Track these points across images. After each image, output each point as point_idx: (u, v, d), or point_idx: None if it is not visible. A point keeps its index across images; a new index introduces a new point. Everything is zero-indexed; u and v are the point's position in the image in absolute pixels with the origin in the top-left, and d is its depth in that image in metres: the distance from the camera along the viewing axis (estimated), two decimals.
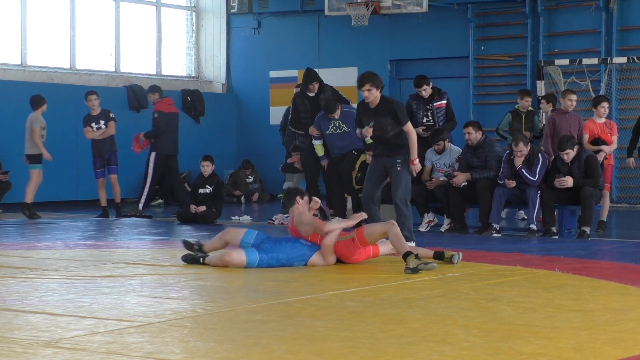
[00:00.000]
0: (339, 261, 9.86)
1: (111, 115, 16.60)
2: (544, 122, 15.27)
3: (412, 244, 11.00)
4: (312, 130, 14.94)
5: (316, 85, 15.20)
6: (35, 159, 16.51)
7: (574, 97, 14.42)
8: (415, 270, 9.16)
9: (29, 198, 16.53)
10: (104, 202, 16.72)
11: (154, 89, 17.45)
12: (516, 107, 15.99)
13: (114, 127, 16.54)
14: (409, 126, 11.41)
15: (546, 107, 15.67)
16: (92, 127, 16.51)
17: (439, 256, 9.90)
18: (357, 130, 11.87)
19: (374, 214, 11.52)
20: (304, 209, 10.02)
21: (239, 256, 9.55)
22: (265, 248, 9.64)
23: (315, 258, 9.74)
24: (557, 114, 14.24)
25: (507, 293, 8.03)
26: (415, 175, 11.64)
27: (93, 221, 15.90)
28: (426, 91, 14.60)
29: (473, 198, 13.76)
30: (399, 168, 11.39)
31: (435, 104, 14.65)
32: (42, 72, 20.12)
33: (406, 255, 9.34)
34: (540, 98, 16.52)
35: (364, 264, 9.86)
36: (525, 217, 14.99)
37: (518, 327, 6.49)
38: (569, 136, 13.47)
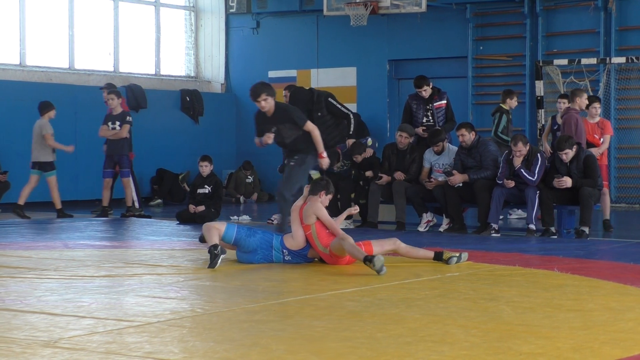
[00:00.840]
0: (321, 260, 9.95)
1: (128, 118, 16.59)
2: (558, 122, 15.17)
3: None
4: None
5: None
6: (51, 165, 16.47)
7: (586, 96, 14.49)
8: (380, 271, 9.16)
9: (58, 203, 16.60)
10: (105, 202, 16.72)
11: (114, 87, 17.47)
12: (502, 106, 15.91)
13: (127, 130, 16.53)
14: (309, 125, 11.59)
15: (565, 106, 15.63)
16: (108, 126, 16.53)
17: (438, 257, 9.94)
18: (256, 139, 11.86)
19: (287, 211, 11.25)
20: (324, 204, 10.05)
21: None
22: (242, 246, 9.97)
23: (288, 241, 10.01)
24: (576, 113, 14.15)
25: (506, 293, 8.03)
26: (325, 168, 11.75)
27: (92, 221, 15.89)
28: (426, 92, 14.60)
29: (471, 198, 13.76)
30: (292, 163, 11.60)
31: (435, 104, 14.65)
32: (41, 72, 20.12)
33: (365, 261, 9.35)
34: (539, 97, 16.52)
35: (362, 263, 9.86)
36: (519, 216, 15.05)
37: (517, 327, 6.50)
38: (567, 136, 13.46)
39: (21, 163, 18.62)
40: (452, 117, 14.82)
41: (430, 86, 14.66)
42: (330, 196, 10.12)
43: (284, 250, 9.94)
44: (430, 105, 14.66)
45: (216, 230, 9.88)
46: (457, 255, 9.96)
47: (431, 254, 10.01)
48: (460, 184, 13.75)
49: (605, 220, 14.15)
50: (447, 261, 9.87)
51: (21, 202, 16.48)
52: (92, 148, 19.18)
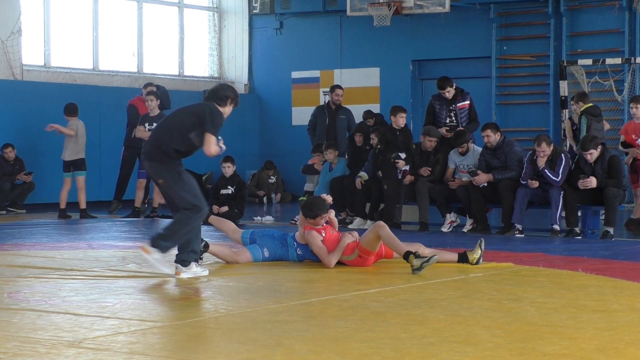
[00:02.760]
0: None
1: None
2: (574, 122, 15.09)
3: (193, 268, 9.09)
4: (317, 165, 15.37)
5: None
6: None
7: None
8: (420, 269, 9.23)
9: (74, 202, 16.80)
10: (138, 203, 16.73)
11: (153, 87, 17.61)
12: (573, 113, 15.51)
13: None
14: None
15: (578, 108, 15.56)
16: (145, 127, 16.51)
17: (463, 259, 9.90)
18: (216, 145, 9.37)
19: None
20: (317, 224, 10.01)
21: (246, 255, 10.09)
22: (261, 243, 10.21)
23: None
24: None
25: (530, 294, 8.01)
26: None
27: (116, 221, 15.94)
28: (449, 93, 14.57)
29: (495, 198, 13.73)
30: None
31: (458, 105, 14.63)
32: (65, 73, 20.20)
33: (406, 255, 9.38)
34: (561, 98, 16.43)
35: (386, 263, 9.85)
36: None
37: (541, 327, 6.48)
38: (592, 136, 13.41)
39: (46, 164, 18.72)
40: (475, 118, 14.79)
41: (454, 87, 14.62)
42: (318, 218, 9.87)
43: (294, 243, 10.13)
44: (454, 105, 14.63)
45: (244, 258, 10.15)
46: (479, 254, 9.93)
47: (455, 256, 9.98)
48: (485, 184, 13.72)
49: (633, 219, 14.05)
50: (476, 263, 9.85)
51: (82, 205, 16.73)
52: (116, 149, 19.23)
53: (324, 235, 9.86)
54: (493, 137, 13.83)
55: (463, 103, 14.66)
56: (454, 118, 14.66)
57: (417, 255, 9.32)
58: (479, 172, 13.74)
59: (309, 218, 9.89)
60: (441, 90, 14.60)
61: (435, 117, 14.76)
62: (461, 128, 14.45)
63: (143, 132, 16.53)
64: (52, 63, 20.16)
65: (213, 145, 9.04)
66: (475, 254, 9.91)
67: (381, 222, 9.73)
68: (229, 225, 10.68)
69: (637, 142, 14.32)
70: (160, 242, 8.89)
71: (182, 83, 22.36)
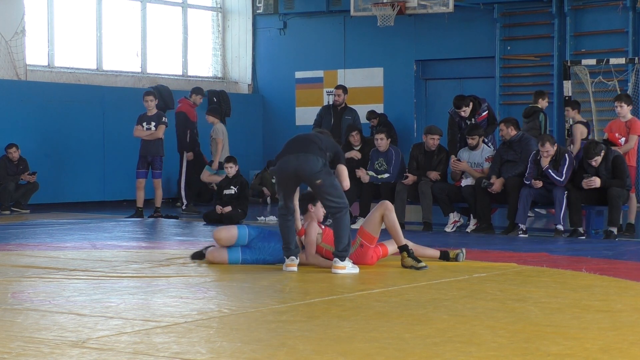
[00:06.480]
0: None
1: (164, 119, 16.66)
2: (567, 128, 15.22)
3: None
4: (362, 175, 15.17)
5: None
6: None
7: None
8: (406, 267, 9.51)
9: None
10: (140, 203, 16.70)
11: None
12: (537, 105, 15.84)
13: (163, 131, 16.59)
14: None
15: (572, 114, 15.64)
16: (142, 126, 16.55)
17: (444, 256, 10.01)
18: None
19: None
20: (317, 216, 9.97)
21: (221, 255, 9.99)
22: (254, 247, 10.00)
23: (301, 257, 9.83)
24: None
25: (534, 294, 8.01)
26: None
27: (120, 221, 15.93)
28: (465, 112, 14.60)
29: (501, 198, 13.71)
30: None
31: (478, 118, 14.67)
32: (69, 73, 20.20)
33: (402, 249, 9.61)
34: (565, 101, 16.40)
35: (388, 262, 9.85)
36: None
37: (545, 327, 6.47)
38: (595, 142, 13.41)
39: (49, 164, 18.73)
40: (493, 121, 14.96)
41: (470, 107, 14.60)
42: (319, 204, 9.86)
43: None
44: (474, 119, 14.67)
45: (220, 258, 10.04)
46: (461, 251, 10.06)
47: (437, 253, 10.07)
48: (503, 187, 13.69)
49: (628, 223, 14.00)
50: (455, 259, 9.98)
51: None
52: (120, 149, 19.27)
53: (323, 228, 9.89)
54: (505, 131, 13.86)
55: (482, 115, 14.71)
56: None
57: (410, 254, 9.54)
58: (492, 180, 13.68)
59: (310, 205, 9.89)
60: (457, 110, 14.63)
61: (460, 129, 14.78)
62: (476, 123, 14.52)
63: (141, 131, 16.56)
64: (55, 63, 20.17)
65: None
66: (459, 252, 10.04)
67: (387, 203, 9.76)
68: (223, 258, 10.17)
69: (619, 140, 14.29)
70: (344, 253, 9.35)
71: (185, 83, 22.36)
